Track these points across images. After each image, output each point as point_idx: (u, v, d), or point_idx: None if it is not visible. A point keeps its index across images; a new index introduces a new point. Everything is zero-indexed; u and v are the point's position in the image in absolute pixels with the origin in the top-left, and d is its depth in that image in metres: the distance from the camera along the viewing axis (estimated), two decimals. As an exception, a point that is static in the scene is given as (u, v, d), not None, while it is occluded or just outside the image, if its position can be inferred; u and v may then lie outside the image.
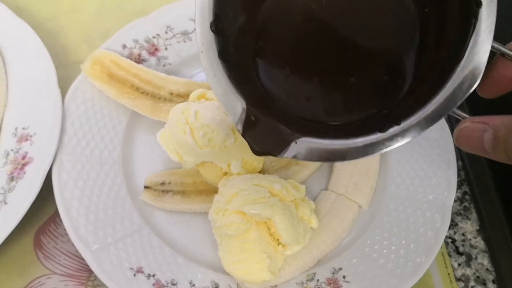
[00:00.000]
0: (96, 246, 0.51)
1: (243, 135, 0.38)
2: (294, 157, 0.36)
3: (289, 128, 0.37)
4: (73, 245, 0.52)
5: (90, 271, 0.53)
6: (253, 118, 0.37)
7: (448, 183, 0.58)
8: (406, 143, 0.34)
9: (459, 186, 0.62)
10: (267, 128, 0.37)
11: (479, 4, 0.34)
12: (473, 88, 0.33)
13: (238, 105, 0.37)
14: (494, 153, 0.33)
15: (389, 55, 0.41)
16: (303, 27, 0.42)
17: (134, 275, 0.51)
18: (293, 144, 0.36)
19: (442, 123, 0.61)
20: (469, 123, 0.35)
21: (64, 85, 0.60)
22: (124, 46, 0.63)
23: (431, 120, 0.34)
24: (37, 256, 0.55)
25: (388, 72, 0.40)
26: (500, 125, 0.33)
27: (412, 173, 0.59)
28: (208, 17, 0.38)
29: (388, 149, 0.35)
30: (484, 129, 0.33)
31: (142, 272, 0.51)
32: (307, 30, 0.42)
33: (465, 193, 0.64)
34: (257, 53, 0.41)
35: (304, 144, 0.36)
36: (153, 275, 0.51)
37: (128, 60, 0.61)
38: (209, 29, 0.38)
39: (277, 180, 0.53)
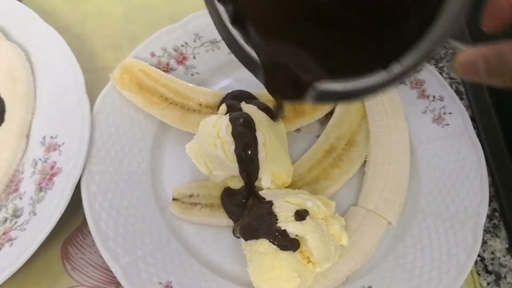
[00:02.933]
0: (126, 260, 0.51)
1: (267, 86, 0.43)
2: (313, 99, 0.41)
3: (305, 73, 0.41)
4: (100, 256, 0.51)
5: (117, 284, 0.53)
6: (271, 70, 0.41)
7: (479, 201, 0.57)
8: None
9: (488, 202, 0.61)
10: (286, 77, 0.41)
11: None
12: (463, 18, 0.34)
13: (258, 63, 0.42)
14: (490, 80, 0.35)
15: None
16: None
17: (163, 290, 0.50)
18: (310, 89, 0.41)
19: (474, 139, 0.60)
20: (463, 55, 0.36)
21: (91, 91, 0.59)
22: (153, 55, 0.62)
23: (427, 53, 0.36)
24: (65, 267, 0.54)
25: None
26: (489, 53, 0.34)
27: (443, 190, 0.58)
28: None
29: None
30: (476, 59, 0.35)
31: (172, 287, 0.51)
32: None
33: (494, 210, 0.63)
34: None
35: (320, 87, 0.40)
36: (182, 291, 0.51)
37: (157, 70, 0.60)
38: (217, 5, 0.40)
39: (308, 197, 0.52)
